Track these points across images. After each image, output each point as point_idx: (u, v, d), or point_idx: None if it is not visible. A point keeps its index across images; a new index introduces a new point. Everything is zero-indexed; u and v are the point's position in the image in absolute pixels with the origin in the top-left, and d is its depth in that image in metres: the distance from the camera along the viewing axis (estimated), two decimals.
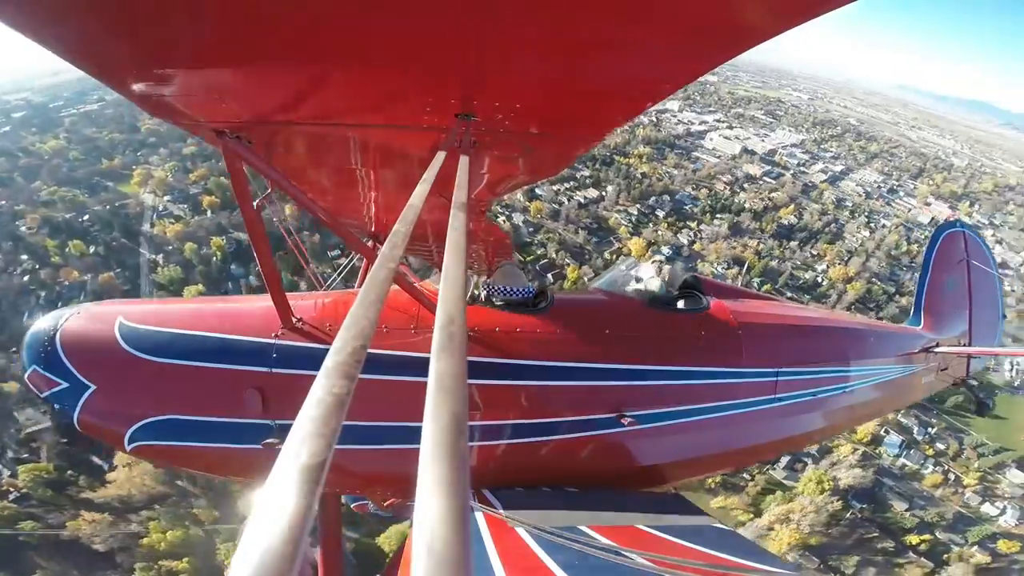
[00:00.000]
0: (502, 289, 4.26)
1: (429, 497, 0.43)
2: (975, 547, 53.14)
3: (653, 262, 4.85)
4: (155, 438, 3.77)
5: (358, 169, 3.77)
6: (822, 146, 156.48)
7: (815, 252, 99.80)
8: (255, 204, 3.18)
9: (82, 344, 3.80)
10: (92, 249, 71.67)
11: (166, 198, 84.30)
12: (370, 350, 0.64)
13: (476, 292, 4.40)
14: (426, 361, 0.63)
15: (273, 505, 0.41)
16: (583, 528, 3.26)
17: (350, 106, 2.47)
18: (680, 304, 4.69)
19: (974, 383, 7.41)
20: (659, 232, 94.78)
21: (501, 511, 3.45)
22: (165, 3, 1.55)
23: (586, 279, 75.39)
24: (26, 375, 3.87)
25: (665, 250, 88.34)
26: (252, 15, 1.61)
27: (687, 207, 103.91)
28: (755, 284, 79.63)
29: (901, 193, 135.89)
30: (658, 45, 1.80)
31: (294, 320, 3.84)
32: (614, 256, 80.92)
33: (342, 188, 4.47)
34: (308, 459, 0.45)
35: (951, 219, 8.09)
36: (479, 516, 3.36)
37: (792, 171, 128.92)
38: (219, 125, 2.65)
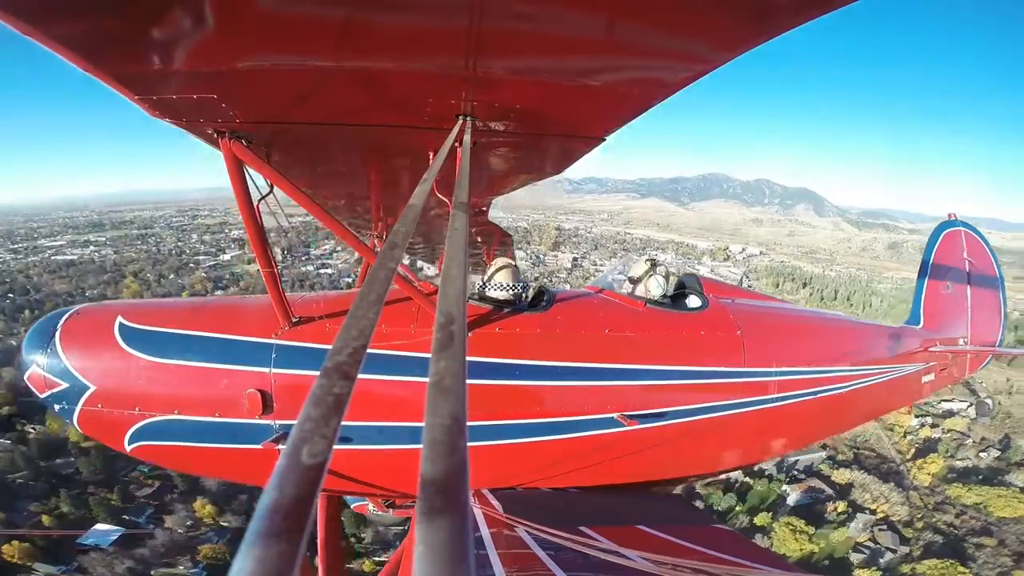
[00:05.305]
0: (501, 288, 4.26)
1: (429, 498, 0.43)
2: None
3: (649, 261, 4.84)
4: (155, 439, 3.76)
5: (358, 169, 3.76)
6: None
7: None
8: (255, 204, 3.18)
9: (81, 344, 3.79)
10: None
11: None
12: (370, 350, 0.64)
13: (475, 291, 4.40)
14: (426, 361, 0.63)
15: (273, 505, 0.42)
16: (583, 528, 3.26)
17: (350, 106, 2.47)
18: (679, 304, 4.69)
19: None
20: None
21: (501, 511, 3.45)
22: (165, 2, 1.55)
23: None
24: (25, 376, 3.86)
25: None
26: (252, 15, 1.61)
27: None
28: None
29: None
30: (658, 46, 1.80)
31: (294, 320, 3.84)
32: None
33: (342, 188, 4.46)
34: (308, 459, 0.46)
35: (951, 217, 7.87)
36: (479, 516, 3.36)
37: None
38: (219, 125, 2.64)
